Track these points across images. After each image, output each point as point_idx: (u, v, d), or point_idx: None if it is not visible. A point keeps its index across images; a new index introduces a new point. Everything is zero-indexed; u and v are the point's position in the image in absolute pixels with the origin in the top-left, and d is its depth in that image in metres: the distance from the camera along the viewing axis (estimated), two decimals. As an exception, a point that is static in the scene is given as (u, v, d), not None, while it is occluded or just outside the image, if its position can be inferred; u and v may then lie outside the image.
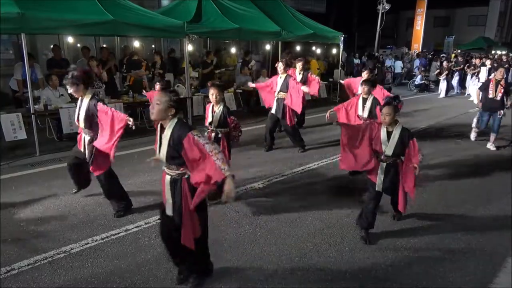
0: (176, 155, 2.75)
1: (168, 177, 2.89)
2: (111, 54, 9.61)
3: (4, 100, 9.05)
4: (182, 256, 3.08)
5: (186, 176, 2.82)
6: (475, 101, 13.10)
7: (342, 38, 12.44)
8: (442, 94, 15.08)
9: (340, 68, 13.33)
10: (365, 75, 7.00)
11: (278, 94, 6.92)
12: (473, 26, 32.79)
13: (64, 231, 4.05)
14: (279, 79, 6.91)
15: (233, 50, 13.00)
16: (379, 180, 3.93)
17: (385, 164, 3.90)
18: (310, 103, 11.29)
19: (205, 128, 4.93)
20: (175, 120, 2.75)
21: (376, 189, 3.96)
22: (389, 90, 16.12)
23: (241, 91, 10.27)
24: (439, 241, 4.03)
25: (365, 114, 5.72)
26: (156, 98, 2.71)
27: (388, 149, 3.83)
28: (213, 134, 4.80)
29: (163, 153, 2.79)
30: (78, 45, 10.88)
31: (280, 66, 6.88)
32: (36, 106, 6.91)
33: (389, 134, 3.83)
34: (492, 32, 32.28)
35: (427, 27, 27.17)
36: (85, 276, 3.31)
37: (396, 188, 3.96)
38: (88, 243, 3.81)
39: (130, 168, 5.93)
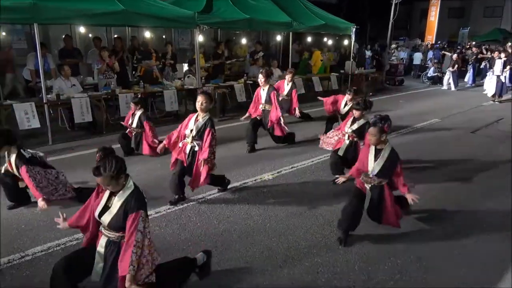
0: (122, 225, 2.57)
1: (104, 240, 2.67)
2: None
3: (17, 90, 9.20)
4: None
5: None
6: (489, 94, 12.91)
7: (354, 29, 12.27)
8: (453, 87, 14.83)
9: (351, 60, 13.19)
10: (348, 96, 6.72)
11: (264, 106, 6.56)
12: (489, 17, 31.97)
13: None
14: (262, 92, 6.57)
15: (243, 41, 12.92)
16: (366, 201, 3.83)
17: (369, 186, 3.78)
18: (320, 94, 11.22)
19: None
20: (130, 188, 2.61)
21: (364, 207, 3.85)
22: (401, 82, 16.09)
23: (251, 82, 10.25)
24: (447, 238, 3.99)
25: (349, 130, 5.30)
26: (100, 182, 2.52)
27: (376, 166, 3.70)
28: (189, 146, 4.37)
29: (107, 218, 2.59)
30: (90, 35, 10.95)
31: (260, 78, 6.49)
32: (48, 96, 6.99)
33: (377, 151, 3.75)
34: (508, 23, 31.38)
35: (441, 18, 26.64)
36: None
37: (379, 211, 3.82)
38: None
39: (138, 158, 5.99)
